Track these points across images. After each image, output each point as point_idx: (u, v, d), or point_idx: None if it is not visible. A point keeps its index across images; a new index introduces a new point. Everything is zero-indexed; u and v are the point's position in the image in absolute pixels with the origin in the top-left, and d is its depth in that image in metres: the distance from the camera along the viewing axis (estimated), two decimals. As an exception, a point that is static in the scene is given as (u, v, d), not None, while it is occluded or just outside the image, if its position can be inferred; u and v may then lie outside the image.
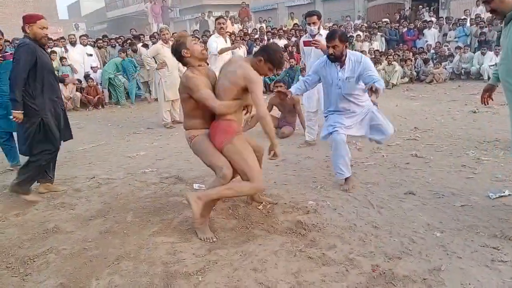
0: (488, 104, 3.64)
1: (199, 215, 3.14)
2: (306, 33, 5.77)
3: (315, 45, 5.05)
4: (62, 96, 4.48)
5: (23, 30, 4.06)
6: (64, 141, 4.43)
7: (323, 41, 5.04)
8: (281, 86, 6.35)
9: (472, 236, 3.01)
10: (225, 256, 2.90)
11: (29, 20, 3.99)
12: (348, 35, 13.64)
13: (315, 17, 5.36)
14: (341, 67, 4.05)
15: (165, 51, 7.42)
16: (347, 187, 4.07)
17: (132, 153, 5.95)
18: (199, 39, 11.29)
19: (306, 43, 5.28)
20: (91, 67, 11.19)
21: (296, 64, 11.23)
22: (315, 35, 5.38)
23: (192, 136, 3.43)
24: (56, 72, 10.17)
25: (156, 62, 7.64)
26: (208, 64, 6.66)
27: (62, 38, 11.55)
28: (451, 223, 3.23)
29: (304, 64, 7.19)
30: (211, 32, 12.39)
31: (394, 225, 3.27)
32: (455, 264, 2.65)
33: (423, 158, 4.96)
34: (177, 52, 3.35)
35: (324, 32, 5.38)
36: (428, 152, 5.16)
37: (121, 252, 3.03)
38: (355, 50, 13.08)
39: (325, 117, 4.35)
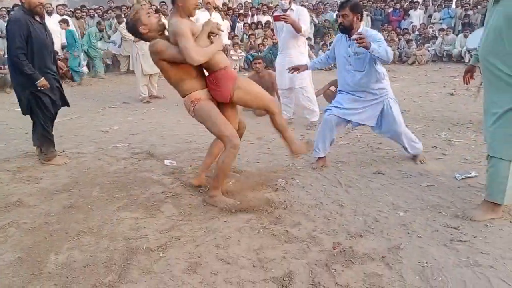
0: (469, 83, 3.65)
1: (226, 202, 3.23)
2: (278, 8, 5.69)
3: (284, 20, 4.99)
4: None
5: None
6: (61, 107, 4.53)
7: (293, 16, 5.10)
8: (259, 63, 6.27)
9: (434, 216, 3.04)
10: (189, 232, 2.88)
11: None
12: (335, 14, 13.56)
13: None
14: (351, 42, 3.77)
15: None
16: (315, 166, 4.07)
17: (105, 128, 5.86)
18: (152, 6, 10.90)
19: (276, 18, 5.20)
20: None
21: (279, 42, 11.09)
22: (286, 9, 5.32)
23: (195, 99, 3.17)
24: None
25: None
26: None
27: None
28: (415, 203, 3.27)
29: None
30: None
31: (359, 204, 3.28)
32: (414, 243, 2.69)
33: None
34: (134, 30, 3.14)
35: (296, 7, 5.39)
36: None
37: (83, 227, 2.98)
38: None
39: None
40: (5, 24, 4.17)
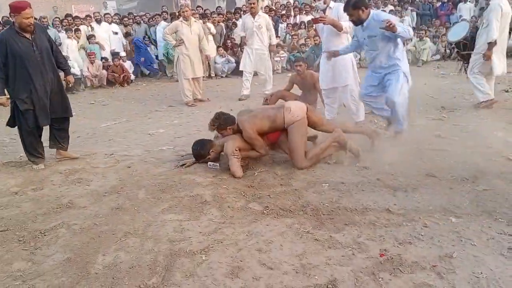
0: None
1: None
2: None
3: (323, 21, 4.94)
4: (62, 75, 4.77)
5: (10, 17, 4.34)
6: (55, 117, 4.59)
7: (332, 15, 5.07)
8: (300, 65, 6.19)
9: (490, 223, 2.86)
10: (231, 235, 2.87)
11: (14, 10, 4.22)
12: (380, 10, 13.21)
13: None
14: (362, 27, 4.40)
15: (184, 29, 7.38)
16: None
17: (151, 131, 5.99)
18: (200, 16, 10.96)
19: (315, 21, 5.24)
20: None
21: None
22: (324, 10, 5.29)
23: None
24: (83, 50, 10.37)
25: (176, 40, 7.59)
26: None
27: (89, 16, 11.62)
28: (469, 208, 3.09)
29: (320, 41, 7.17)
30: (241, 11, 12.26)
31: (408, 209, 3.14)
32: (468, 252, 2.53)
33: (447, 138, 4.75)
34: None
35: (334, 5, 5.27)
36: (453, 132, 4.94)
37: (129, 228, 3.05)
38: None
39: None
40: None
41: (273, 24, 12.35)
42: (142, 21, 12.37)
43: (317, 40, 10.76)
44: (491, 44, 5.82)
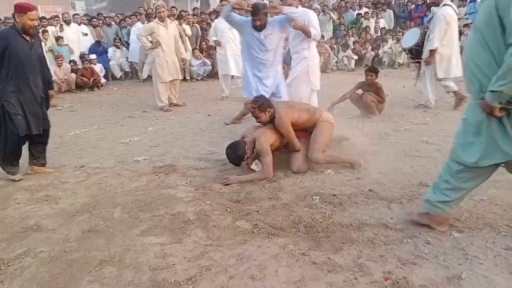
0: None
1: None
2: None
3: (296, 28, 4.97)
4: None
5: (13, 17, 4.10)
6: (32, 133, 4.22)
7: (300, 19, 5.05)
8: (371, 76, 6.13)
9: (493, 237, 2.70)
10: (220, 260, 2.61)
11: (19, 10, 4.01)
12: (356, 13, 13.20)
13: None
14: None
15: (160, 30, 7.04)
16: None
17: (125, 139, 5.64)
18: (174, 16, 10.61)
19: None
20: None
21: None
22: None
23: None
24: (50, 53, 9.83)
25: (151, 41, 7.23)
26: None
27: (56, 16, 11.07)
28: (469, 221, 2.92)
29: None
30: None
31: (405, 223, 2.96)
32: (476, 271, 2.36)
33: (434, 144, 4.63)
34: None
35: (301, 10, 5.20)
36: (439, 138, 4.83)
37: (105, 255, 2.74)
38: (362, 27, 12.61)
39: None
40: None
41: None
42: (113, 22, 11.89)
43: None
44: (432, 52, 6.11)
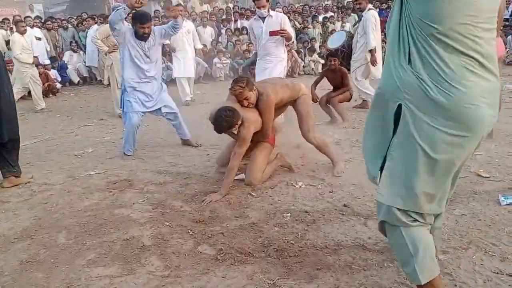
0: None
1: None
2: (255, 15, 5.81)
3: (282, 35, 5.27)
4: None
5: None
6: (3, 141, 3.87)
7: (274, 22, 5.36)
8: (335, 61, 5.96)
9: (480, 258, 2.47)
10: (178, 296, 2.25)
11: None
12: (322, 16, 13.12)
13: (263, 1, 5.31)
14: None
15: (117, 33, 6.59)
16: None
17: (78, 151, 5.17)
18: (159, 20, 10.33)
19: (273, 33, 5.33)
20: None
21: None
22: (265, 17, 5.40)
23: None
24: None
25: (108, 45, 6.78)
26: None
27: (6, 19, 10.35)
28: (453, 240, 2.69)
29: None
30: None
31: (385, 243, 2.68)
32: (468, 301, 2.11)
33: (408, 153, 4.42)
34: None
35: (274, 13, 5.52)
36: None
37: (42, 293, 2.33)
38: (329, 31, 12.52)
39: None
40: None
41: (216, 30, 11.87)
42: (69, 25, 11.27)
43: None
44: (372, 51, 6.35)
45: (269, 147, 3.91)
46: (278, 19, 5.41)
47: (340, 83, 6.05)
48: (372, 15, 6.35)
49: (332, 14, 13.59)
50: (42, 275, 2.51)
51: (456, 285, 2.23)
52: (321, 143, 3.99)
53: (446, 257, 2.49)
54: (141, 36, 4.48)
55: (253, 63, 6.01)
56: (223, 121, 3.42)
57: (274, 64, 5.47)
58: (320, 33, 12.74)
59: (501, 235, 2.69)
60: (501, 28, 8.90)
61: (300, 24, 12.83)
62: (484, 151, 4.29)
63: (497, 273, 2.31)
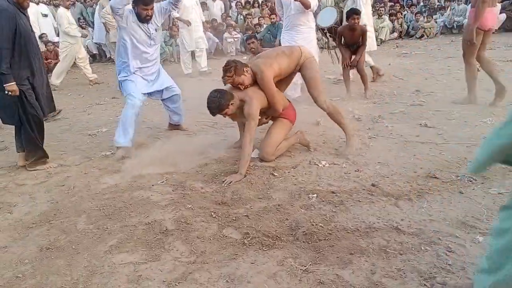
0: None
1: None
2: None
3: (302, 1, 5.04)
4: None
5: None
6: (46, 115, 4.03)
7: None
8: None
9: (524, 240, 2.33)
10: (207, 284, 2.15)
11: None
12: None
13: None
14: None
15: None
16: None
17: (92, 130, 5.07)
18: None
19: None
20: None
21: (279, 21, 10.22)
22: None
23: None
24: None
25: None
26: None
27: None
28: (492, 220, 2.55)
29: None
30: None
31: (420, 225, 2.56)
32: (515, 288, 1.97)
33: (434, 128, 4.25)
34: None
35: None
36: (438, 120, 4.45)
37: (66, 281, 2.24)
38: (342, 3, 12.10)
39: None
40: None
41: (227, 3, 11.55)
42: (76, 1, 11.03)
43: (273, 18, 10.01)
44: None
45: (286, 123, 3.76)
46: None
47: (358, 42, 5.76)
48: None
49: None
50: (63, 262, 2.42)
51: (501, 271, 2.09)
52: (332, 110, 3.80)
53: (485, 239, 2.35)
54: (144, 19, 4.07)
55: (253, 37, 5.66)
56: (212, 103, 3.44)
57: (305, 35, 5.36)
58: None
59: (544, 216, 2.53)
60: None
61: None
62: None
63: (544, 257, 2.17)
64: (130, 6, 4.06)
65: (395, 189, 3.05)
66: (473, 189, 2.95)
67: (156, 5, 4.20)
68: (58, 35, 10.22)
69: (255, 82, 3.63)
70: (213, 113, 3.54)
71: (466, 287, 1.94)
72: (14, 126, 3.85)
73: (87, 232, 2.73)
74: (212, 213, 2.84)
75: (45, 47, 9.54)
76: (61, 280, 2.26)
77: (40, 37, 9.75)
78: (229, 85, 3.66)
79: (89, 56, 10.76)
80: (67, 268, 2.37)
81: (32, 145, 3.84)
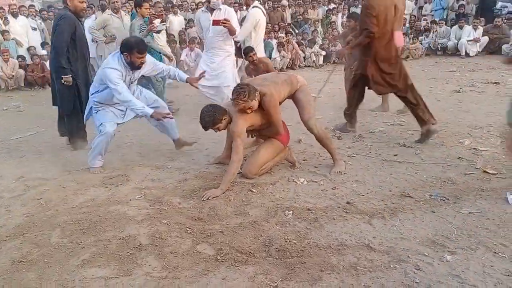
0: None
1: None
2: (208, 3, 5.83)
3: (224, 25, 5.32)
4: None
5: (64, 1, 4.46)
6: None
7: (221, 16, 5.46)
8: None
9: (490, 259, 2.39)
10: (176, 300, 2.16)
11: None
12: (326, 9, 12.95)
13: None
14: None
15: (115, 22, 6.46)
16: None
17: (74, 144, 5.03)
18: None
19: (215, 22, 5.44)
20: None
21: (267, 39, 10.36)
22: (214, 9, 5.53)
23: None
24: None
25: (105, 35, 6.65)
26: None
27: (1, 8, 10.11)
28: (461, 240, 2.60)
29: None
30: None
31: (391, 243, 2.60)
32: (479, 306, 2.02)
33: (412, 148, 4.33)
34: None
35: (223, 7, 5.59)
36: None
37: (34, 295, 2.23)
38: (331, 23, 12.34)
39: None
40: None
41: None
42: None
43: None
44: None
45: (278, 145, 3.79)
46: (225, 12, 5.53)
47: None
48: (251, 13, 5.78)
49: (335, 6, 13.39)
50: (34, 275, 2.41)
51: (466, 289, 2.14)
52: (321, 133, 3.84)
53: (454, 258, 2.41)
54: (137, 66, 3.84)
55: (253, 49, 5.80)
56: (206, 116, 3.54)
57: (221, 58, 5.58)
58: (322, 24, 12.58)
59: (511, 235, 2.60)
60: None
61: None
62: (490, 147, 4.19)
63: (508, 275, 2.23)
64: (115, 64, 3.76)
65: (370, 207, 3.10)
66: (445, 208, 3.01)
67: (151, 59, 4.11)
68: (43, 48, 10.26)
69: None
70: (206, 127, 3.60)
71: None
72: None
73: (60, 246, 2.71)
74: (188, 229, 2.85)
75: (31, 60, 9.52)
76: (30, 294, 2.24)
77: (28, 49, 9.74)
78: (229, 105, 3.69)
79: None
80: (38, 281, 2.35)
81: (76, 129, 4.72)
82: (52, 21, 10.32)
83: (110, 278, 2.35)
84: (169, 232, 2.82)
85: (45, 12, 10.81)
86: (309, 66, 11.42)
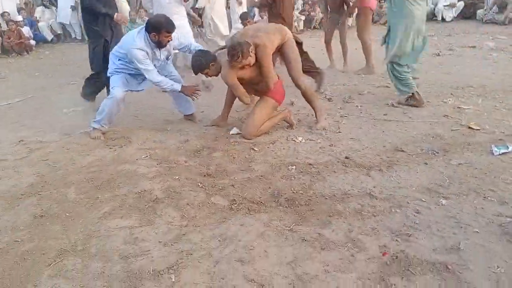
0: None
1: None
2: None
3: None
4: None
5: None
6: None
7: None
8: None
9: (480, 202, 2.64)
10: (201, 243, 2.33)
11: None
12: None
13: None
14: None
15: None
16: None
17: (67, 108, 5.05)
18: None
19: None
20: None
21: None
22: None
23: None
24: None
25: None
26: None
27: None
28: (453, 187, 2.86)
29: None
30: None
31: (390, 191, 2.83)
32: (473, 240, 2.27)
33: (400, 108, 4.55)
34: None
35: None
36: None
37: (64, 243, 2.36)
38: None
39: None
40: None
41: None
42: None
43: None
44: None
45: (272, 102, 3.92)
46: None
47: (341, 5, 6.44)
48: None
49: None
50: (59, 228, 2.53)
51: (461, 227, 2.39)
52: (308, 90, 4.07)
53: (449, 202, 2.65)
54: (164, 45, 3.81)
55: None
56: (194, 61, 3.80)
57: (178, 24, 5.09)
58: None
59: (497, 182, 2.87)
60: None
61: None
62: (472, 106, 4.46)
63: (498, 215, 2.49)
64: (142, 44, 3.69)
65: (367, 161, 3.32)
66: (436, 160, 3.26)
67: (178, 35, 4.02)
68: (19, 13, 9.94)
69: None
70: (194, 72, 3.89)
71: None
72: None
73: (78, 201, 2.83)
74: (199, 184, 3.01)
75: (7, 26, 9.22)
76: (59, 243, 2.37)
77: (2, 15, 9.42)
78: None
79: (53, 36, 10.51)
80: (64, 232, 2.48)
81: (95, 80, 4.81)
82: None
83: (134, 227, 2.50)
84: (182, 186, 2.97)
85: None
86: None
